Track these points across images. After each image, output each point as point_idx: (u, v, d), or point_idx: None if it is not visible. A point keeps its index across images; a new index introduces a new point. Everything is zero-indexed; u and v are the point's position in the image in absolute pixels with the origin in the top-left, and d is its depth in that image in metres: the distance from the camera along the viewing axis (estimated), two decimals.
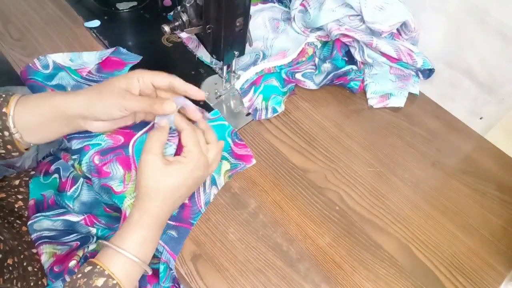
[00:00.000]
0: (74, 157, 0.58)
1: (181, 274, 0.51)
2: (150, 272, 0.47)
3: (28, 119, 0.50)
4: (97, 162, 0.56)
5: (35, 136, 0.51)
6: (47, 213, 0.59)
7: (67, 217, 0.59)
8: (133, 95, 0.50)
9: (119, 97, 0.49)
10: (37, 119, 0.50)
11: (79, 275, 0.43)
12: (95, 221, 0.59)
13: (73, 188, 0.62)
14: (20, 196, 0.64)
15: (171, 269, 0.50)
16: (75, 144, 0.56)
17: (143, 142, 0.54)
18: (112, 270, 0.43)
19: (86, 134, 0.57)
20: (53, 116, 0.50)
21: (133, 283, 0.46)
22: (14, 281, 0.51)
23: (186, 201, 0.54)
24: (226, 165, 0.58)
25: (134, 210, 0.47)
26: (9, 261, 0.52)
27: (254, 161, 0.60)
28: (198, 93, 0.53)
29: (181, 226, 0.53)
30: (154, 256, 0.50)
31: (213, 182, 0.57)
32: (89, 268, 0.43)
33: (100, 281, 0.42)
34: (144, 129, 0.58)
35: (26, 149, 0.53)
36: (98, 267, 0.43)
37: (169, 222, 0.52)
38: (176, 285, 0.56)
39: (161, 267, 0.50)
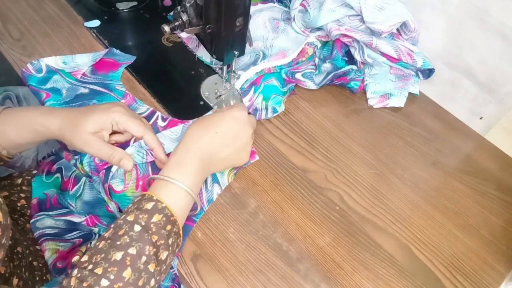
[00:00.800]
0: (76, 157, 0.58)
1: (181, 274, 0.51)
2: (199, 202, 0.49)
3: (12, 138, 0.52)
4: (97, 161, 0.56)
5: (21, 149, 0.55)
6: (50, 213, 0.59)
7: (69, 217, 0.59)
8: (98, 142, 0.51)
9: (85, 144, 0.51)
10: (20, 139, 0.53)
11: (130, 205, 0.45)
12: (96, 222, 0.59)
13: (75, 188, 0.62)
14: (22, 195, 0.64)
15: (172, 268, 0.50)
16: None
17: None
18: (160, 196, 0.45)
19: None
20: (35, 137, 0.53)
21: (183, 209, 0.48)
22: (23, 269, 0.52)
23: None
24: None
25: (180, 145, 0.51)
26: (19, 249, 0.53)
27: (257, 157, 0.61)
28: (161, 159, 0.55)
29: (185, 224, 0.53)
30: None
31: (215, 180, 0.57)
32: (138, 198, 0.46)
33: (149, 205, 0.44)
34: None
35: (10, 158, 0.55)
36: (146, 195, 0.45)
37: None
38: (176, 285, 0.56)
39: None
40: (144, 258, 0.41)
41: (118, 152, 0.52)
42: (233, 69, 0.66)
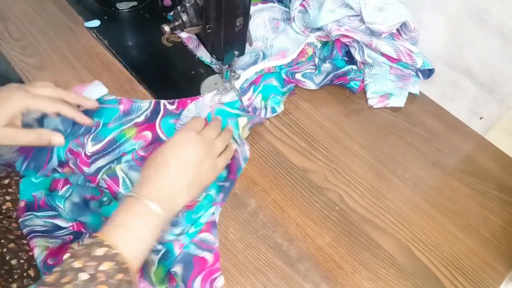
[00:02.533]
0: (108, 163, 0.58)
1: None
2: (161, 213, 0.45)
3: None
4: (142, 153, 0.58)
5: None
6: (38, 214, 0.58)
7: (56, 221, 0.58)
8: (17, 131, 0.50)
9: (2, 139, 0.49)
10: None
11: (80, 248, 0.41)
12: (82, 229, 0.58)
13: (65, 188, 0.61)
14: (8, 197, 0.62)
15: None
16: (105, 160, 0.58)
17: (167, 121, 0.59)
18: (114, 240, 0.42)
19: (115, 146, 0.59)
20: None
21: (140, 254, 0.43)
22: None
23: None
24: (243, 120, 0.62)
25: (131, 196, 0.47)
26: None
27: (267, 120, 0.65)
28: (84, 122, 0.55)
29: (230, 178, 0.57)
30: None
31: (239, 142, 0.61)
32: (90, 241, 0.42)
33: (100, 251, 0.41)
34: (160, 115, 0.63)
35: None
36: (98, 239, 0.42)
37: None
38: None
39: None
40: None
41: (43, 132, 0.51)
42: (233, 69, 0.66)
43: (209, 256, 0.51)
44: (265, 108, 0.66)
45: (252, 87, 0.67)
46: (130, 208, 0.45)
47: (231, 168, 0.58)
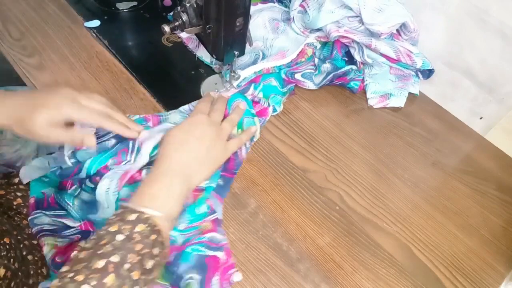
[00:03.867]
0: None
1: None
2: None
3: None
4: None
5: None
6: (47, 212, 0.59)
7: (64, 220, 0.59)
8: (55, 129, 0.51)
9: (42, 138, 0.51)
10: None
11: (112, 217, 0.44)
12: (90, 228, 0.59)
13: (74, 187, 0.62)
14: (19, 194, 0.64)
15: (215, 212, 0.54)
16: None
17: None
18: (143, 208, 0.45)
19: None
20: None
21: (168, 220, 0.47)
22: (11, 260, 0.51)
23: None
24: (257, 121, 0.63)
25: (156, 166, 0.51)
26: (6, 240, 0.52)
27: (270, 113, 0.65)
28: (128, 137, 0.56)
29: (226, 176, 0.58)
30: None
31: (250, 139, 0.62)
32: (120, 210, 0.45)
33: (133, 216, 0.44)
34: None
35: None
36: (129, 208, 0.45)
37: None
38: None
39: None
40: (127, 266, 0.40)
41: (79, 135, 0.52)
42: (233, 69, 0.66)
43: (220, 254, 0.51)
44: (268, 105, 0.66)
45: (252, 85, 0.67)
46: (154, 180, 0.49)
47: (229, 166, 0.59)
